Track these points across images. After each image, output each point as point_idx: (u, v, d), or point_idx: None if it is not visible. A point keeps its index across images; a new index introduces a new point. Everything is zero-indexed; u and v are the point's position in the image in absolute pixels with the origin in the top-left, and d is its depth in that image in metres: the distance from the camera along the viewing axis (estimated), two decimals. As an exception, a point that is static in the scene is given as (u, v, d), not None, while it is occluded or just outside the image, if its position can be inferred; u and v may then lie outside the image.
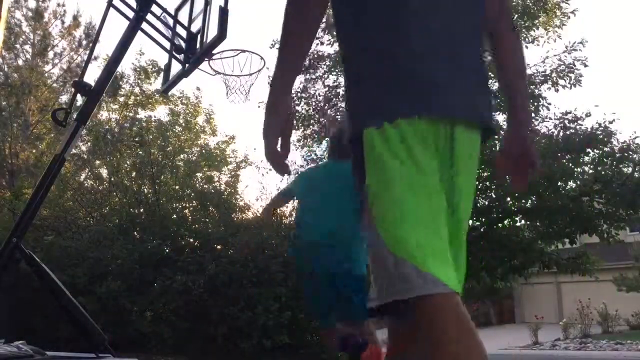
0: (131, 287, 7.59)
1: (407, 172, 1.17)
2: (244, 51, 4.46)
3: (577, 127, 10.17)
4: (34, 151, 14.05)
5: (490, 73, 1.48)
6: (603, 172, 9.85)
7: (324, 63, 11.05)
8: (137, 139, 11.47)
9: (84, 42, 14.92)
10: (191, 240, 8.81)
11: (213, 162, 12.15)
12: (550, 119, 10.57)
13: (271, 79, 1.37)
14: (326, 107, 11.31)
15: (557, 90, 10.47)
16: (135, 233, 8.93)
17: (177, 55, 4.39)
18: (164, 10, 4.38)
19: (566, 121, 10.28)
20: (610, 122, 9.87)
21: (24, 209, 4.04)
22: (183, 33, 4.34)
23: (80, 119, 4.01)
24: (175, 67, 4.55)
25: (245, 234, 7.90)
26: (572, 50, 10.47)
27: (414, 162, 1.17)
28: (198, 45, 4.18)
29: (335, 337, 3.05)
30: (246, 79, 4.50)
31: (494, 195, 10.57)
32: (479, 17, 1.37)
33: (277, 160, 1.32)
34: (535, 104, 10.46)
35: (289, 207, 9.77)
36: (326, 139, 11.62)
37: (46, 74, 14.95)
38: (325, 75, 11.21)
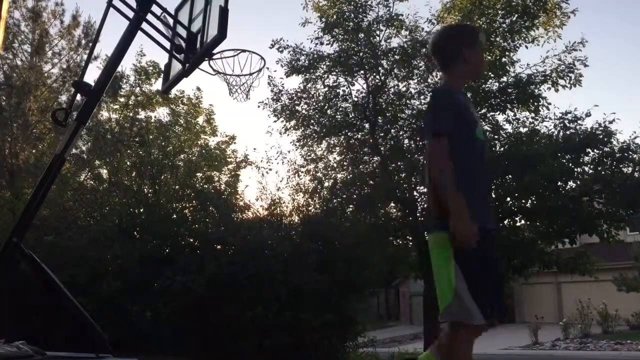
0: (131, 287, 7.59)
1: None
2: (244, 51, 4.45)
3: (577, 127, 10.19)
4: (34, 151, 14.03)
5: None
6: (603, 172, 9.85)
7: (323, 63, 11.03)
8: (137, 139, 11.44)
9: (83, 42, 14.90)
10: (191, 240, 8.80)
11: (213, 162, 12.11)
12: (550, 119, 10.59)
13: None
14: (326, 107, 11.30)
15: (557, 90, 10.50)
16: (135, 233, 8.93)
17: (177, 55, 4.39)
18: (164, 10, 4.38)
19: (566, 121, 10.30)
20: (610, 122, 9.89)
21: (24, 209, 4.04)
22: (183, 33, 4.33)
23: (80, 119, 4.01)
24: (176, 67, 4.55)
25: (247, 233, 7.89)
26: (572, 50, 10.49)
27: None
28: (198, 45, 4.18)
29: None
30: (246, 78, 4.49)
31: (494, 195, 10.57)
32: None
33: None
34: (536, 104, 10.48)
35: (289, 207, 9.81)
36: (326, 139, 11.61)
37: (46, 74, 14.93)
38: (325, 75, 11.19)
